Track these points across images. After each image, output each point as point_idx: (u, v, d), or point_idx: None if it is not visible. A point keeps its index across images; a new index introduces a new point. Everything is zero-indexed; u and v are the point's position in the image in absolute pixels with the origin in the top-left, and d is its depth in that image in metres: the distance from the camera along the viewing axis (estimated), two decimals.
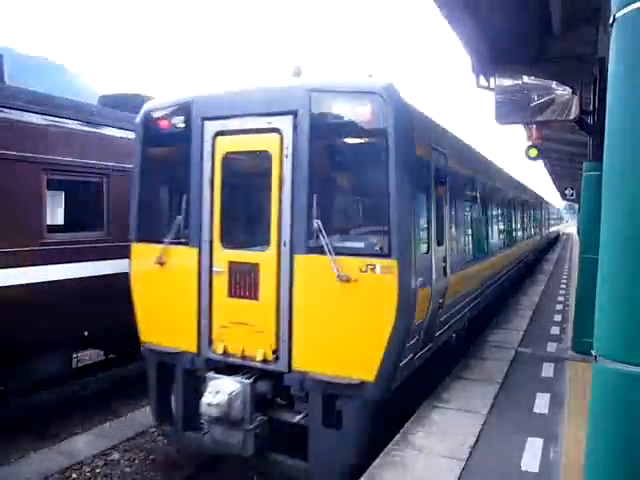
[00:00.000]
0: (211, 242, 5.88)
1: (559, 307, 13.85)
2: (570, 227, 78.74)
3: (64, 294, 7.40)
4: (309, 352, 5.46)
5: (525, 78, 8.66)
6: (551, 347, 9.53)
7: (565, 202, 50.32)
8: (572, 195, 30.40)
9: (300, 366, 5.47)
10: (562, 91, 8.49)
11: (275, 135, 5.59)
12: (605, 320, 2.46)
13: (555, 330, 10.97)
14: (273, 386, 5.70)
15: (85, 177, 7.92)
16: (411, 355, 5.85)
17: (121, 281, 8.16)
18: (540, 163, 24.23)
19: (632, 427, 2.27)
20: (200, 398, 5.58)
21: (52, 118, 7.35)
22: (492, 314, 11.72)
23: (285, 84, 5.85)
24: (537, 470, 4.98)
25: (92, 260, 7.81)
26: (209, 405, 5.41)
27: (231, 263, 5.76)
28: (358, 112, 5.32)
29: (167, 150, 6.58)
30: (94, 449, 6.92)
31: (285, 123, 5.54)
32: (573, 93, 8.39)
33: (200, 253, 5.92)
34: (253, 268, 5.64)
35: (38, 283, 7.04)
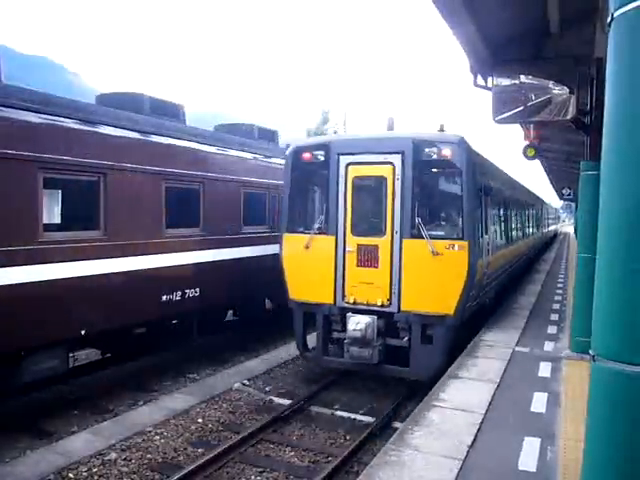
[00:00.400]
0: (344, 232, 8.94)
1: (556, 306, 13.87)
2: (567, 226, 78.50)
3: (62, 293, 7.41)
4: (411, 299, 8.52)
5: (522, 78, 8.66)
6: (548, 346, 9.54)
7: (562, 201, 50.53)
8: (569, 195, 30.45)
9: (405, 307, 8.57)
10: (559, 91, 8.49)
11: (389, 166, 8.68)
12: (602, 319, 2.46)
13: (552, 329, 10.99)
14: (386, 323, 8.71)
15: (82, 176, 7.90)
16: (470, 302, 8.91)
17: (118, 280, 8.22)
18: (537, 162, 24.25)
19: (630, 426, 2.27)
20: (337, 331, 9.18)
21: (49, 117, 7.33)
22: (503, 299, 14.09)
23: (395, 134, 9.48)
24: (534, 469, 4.98)
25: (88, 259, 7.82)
26: (354, 330, 8.46)
27: (359, 245, 8.86)
28: (443, 154, 8.45)
29: (308, 174, 9.58)
30: (91, 449, 6.89)
31: (396, 159, 8.64)
32: (570, 93, 8.38)
33: (336, 239, 9.00)
34: (374, 248, 8.75)
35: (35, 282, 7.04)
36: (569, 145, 17.69)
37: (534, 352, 9.20)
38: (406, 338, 8.68)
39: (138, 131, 8.80)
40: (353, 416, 8.26)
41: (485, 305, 11.12)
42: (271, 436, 7.52)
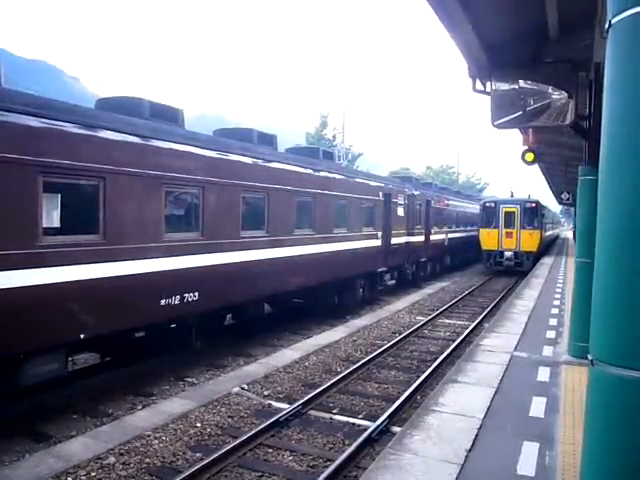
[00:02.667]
0: (502, 227, 29.04)
1: (555, 311, 13.89)
2: (566, 231, 79.57)
3: (62, 297, 7.41)
4: (523, 246, 28.68)
5: (521, 82, 8.68)
6: (547, 351, 9.56)
7: (561, 206, 53.09)
8: (568, 199, 30.55)
9: (521, 249, 28.78)
10: (558, 95, 8.51)
11: (516, 208, 29.13)
12: (601, 324, 2.47)
13: (551, 334, 11.00)
14: (514, 253, 28.92)
15: (82, 179, 7.91)
16: (539, 248, 30.44)
17: (114, 284, 8.22)
18: (536, 166, 24.32)
19: (628, 431, 2.27)
20: (498, 258, 29.51)
21: (49, 121, 7.33)
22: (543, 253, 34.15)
23: (517, 198, 30.93)
24: (533, 474, 4.99)
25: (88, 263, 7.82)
26: (508, 253, 28.95)
27: (506, 231, 28.90)
28: (532, 205, 29.37)
29: (488, 210, 29.61)
30: (89, 452, 6.87)
31: (518, 206, 29.22)
32: (569, 97, 8.40)
33: (499, 230, 29.09)
34: (512, 232, 28.80)
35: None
36: (568, 149, 17.74)
37: (533, 357, 9.22)
38: (522, 258, 28.32)
39: (138, 135, 8.81)
40: (352, 420, 8.25)
41: (541, 251, 31.23)
42: (270, 440, 7.51)
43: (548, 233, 39.43)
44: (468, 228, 33.65)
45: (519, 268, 27.86)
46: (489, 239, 29.07)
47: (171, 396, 9.27)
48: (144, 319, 9.05)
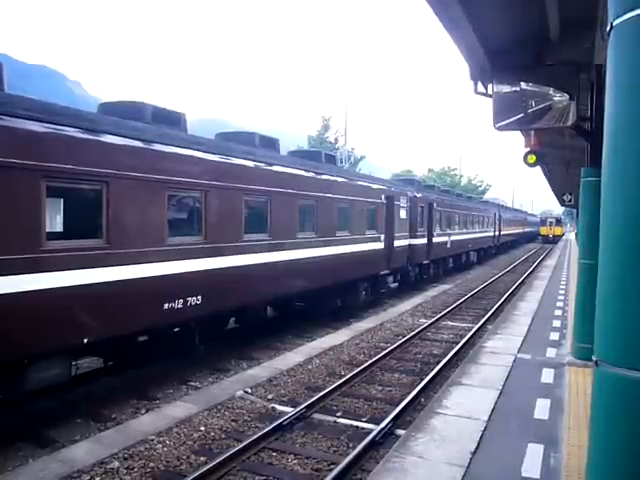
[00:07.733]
0: (547, 226, 75.27)
1: (558, 312, 13.87)
2: (569, 232, 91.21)
3: (65, 301, 7.42)
4: (555, 233, 75.58)
5: (523, 84, 8.69)
6: (551, 353, 9.54)
7: (564, 208, 64.67)
8: (570, 201, 30.49)
9: (555, 234, 75.32)
10: (560, 97, 8.51)
11: (554, 219, 76.78)
12: (605, 325, 2.47)
13: (554, 336, 10.99)
14: (553, 235, 75.04)
15: (85, 184, 7.93)
16: (561, 234, 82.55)
17: (117, 288, 8.22)
18: (538, 167, 24.29)
19: (634, 432, 2.27)
20: (546, 238, 75.36)
21: (50, 126, 7.35)
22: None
23: (554, 215, 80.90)
24: (538, 476, 4.98)
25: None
26: (550, 236, 74.65)
27: (549, 227, 74.75)
28: (558, 217, 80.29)
29: (543, 219, 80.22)
30: (93, 457, 6.87)
31: (554, 218, 77.38)
32: (570, 99, 8.41)
33: (547, 227, 74.98)
34: (552, 228, 74.45)
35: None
36: (570, 151, 17.73)
37: (536, 359, 9.21)
38: (556, 237, 74.01)
39: (140, 139, 8.82)
40: (355, 423, 8.24)
41: (560, 236, 79.52)
42: (273, 444, 7.51)
43: (564, 229, 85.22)
44: (471, 230, 33.56)
45: (554, 241, 65.88)
46: (544, 230, 71.10)
47: (175, 400, 9.27)
48: (147, 323, 9.06)
